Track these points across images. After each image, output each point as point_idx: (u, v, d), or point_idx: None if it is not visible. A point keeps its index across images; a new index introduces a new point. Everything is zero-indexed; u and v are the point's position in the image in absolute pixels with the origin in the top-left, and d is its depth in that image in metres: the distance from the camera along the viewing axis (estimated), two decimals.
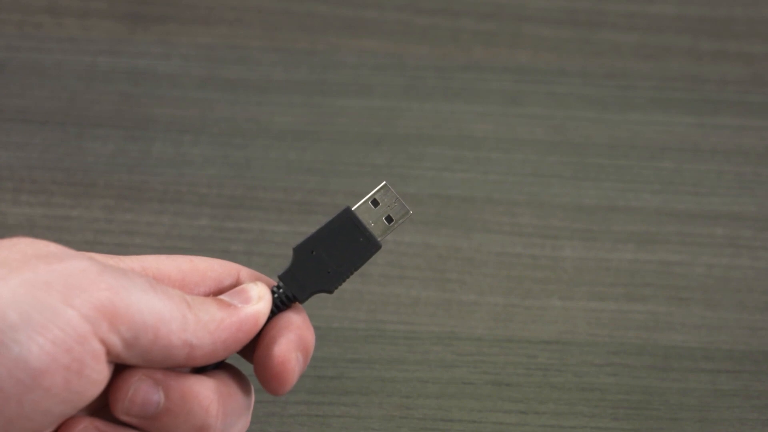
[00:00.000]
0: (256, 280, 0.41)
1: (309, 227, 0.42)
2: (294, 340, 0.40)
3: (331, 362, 0.54)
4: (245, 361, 0.42)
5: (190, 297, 0.39)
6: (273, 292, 0.41)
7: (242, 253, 0.57)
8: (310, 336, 0.41)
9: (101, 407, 0.39)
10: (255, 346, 0.40)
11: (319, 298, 0.55)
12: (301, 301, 0.42)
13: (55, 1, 0.70)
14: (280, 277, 0.41)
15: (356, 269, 0.41)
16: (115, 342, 0.36)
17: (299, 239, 0.42)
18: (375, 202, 0.42)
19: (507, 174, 0.62)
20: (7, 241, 0.37)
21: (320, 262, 0.41)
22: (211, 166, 0.61)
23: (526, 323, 0.56)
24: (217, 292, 0.41)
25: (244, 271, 0.42)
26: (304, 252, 0.41)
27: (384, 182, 0.42)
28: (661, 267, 0.58)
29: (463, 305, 0.56)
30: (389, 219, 0.42)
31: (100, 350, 0.36)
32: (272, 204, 0.60)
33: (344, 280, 0.41)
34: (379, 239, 0.41)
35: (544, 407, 0.52)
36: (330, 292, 0.42)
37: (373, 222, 0.42)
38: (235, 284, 0.41)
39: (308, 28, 0.69)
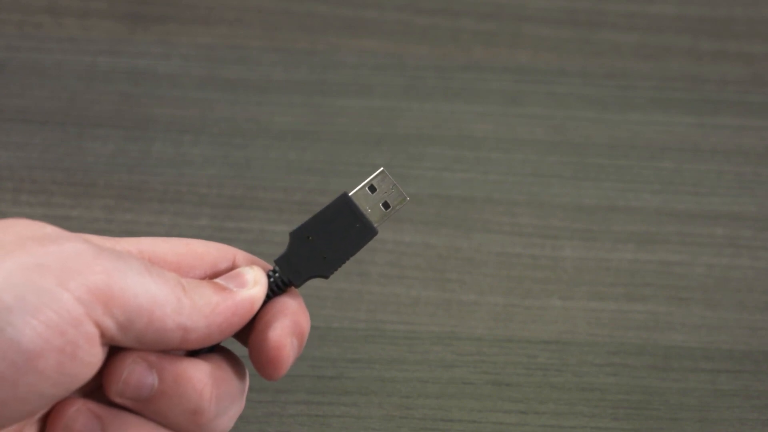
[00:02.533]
0: (252, 264, 0.41)
1: None
2: (289, 326, 0.40)
3: (331, 362, 0.54)
4: (240, 345, 0.42)
5: (185, 280, 0.38)
6: (269, 277, 0.41)
7: None
8: (305, 321, 0.41)
9: (94, 389, 0.39)
10: (250, 331, 0.40)
11: (318, 297, 0.55)
12: (297, 286, 0.41)
13: (55, 1, 0.70)
14: (276, 262, 0.41)
15: (352, 255, 0.41)
16: (110, 325, 0.36)
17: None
18: (372, 188, 0.42)
19: (507, 174, 0.62)
20: (2, 222, 0.37)
21: (316, 248, 0.41)
22: (211, 166, 0.61)
23: (526, 323, 0.56)
24: (212, 276, 0.41)
25: (240, 255, 0.42)
26: (301, 237, 0.41)
27: (381, 168, 0.42)
28: (661, 267, 0.58)
29: (463, 305, 0.56)
30: (386, 205, 0.42)
31: (94, 333, 0.36)
32: (272, 204, 0.60)
33: (340, 266, 0.41)
34: (375, 225, 0.41)
35: (544, 407, 0.52)
36: (326, 277, 0.41)
37: (370, 208, 0.42)
38: (231, 268, 0.41)
39: (308, 28, 0.69)
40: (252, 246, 0.58)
